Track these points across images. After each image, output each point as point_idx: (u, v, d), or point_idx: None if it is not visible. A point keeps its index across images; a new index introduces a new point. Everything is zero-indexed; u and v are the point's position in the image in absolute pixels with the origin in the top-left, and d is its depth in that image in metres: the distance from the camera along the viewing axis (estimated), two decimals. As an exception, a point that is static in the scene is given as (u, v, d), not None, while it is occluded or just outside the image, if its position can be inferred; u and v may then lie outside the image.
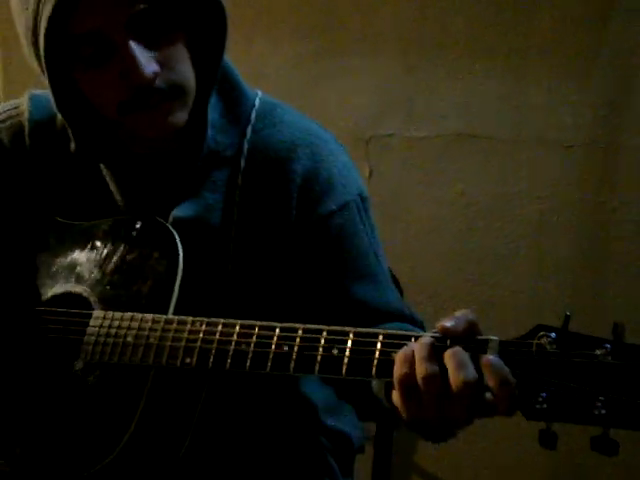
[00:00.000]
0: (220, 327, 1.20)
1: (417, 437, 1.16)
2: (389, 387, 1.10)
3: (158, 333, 1.23)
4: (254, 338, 1.17)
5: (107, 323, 1.28)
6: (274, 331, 1.16)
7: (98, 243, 1.37)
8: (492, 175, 2.36)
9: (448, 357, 1.01)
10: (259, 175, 1.38)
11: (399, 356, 1.05)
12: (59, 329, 1.34)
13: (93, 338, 1.28)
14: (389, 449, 1.74)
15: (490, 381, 0.98)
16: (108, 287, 1.33)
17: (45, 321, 1.36)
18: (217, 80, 1.34)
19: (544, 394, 0.96)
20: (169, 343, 1.22)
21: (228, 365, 1.18)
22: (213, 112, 1.37)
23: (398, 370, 1.04)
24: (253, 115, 1.41)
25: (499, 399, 0.98)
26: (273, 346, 1.15)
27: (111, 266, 1.34)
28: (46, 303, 1.38)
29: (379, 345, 1.08)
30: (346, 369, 1.09)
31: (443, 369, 1.01)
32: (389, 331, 1.10)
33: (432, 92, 2.37)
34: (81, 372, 1.29)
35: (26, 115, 1.45)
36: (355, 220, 1.40)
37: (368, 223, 1.42)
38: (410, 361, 1.04)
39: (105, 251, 1.36)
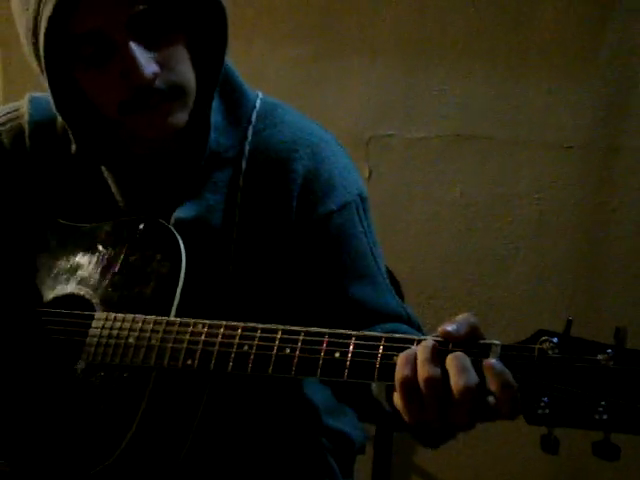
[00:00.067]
0: (222, 329, 1.20)
1: (417, 438, 1.17)
2: (390, 390, 1.10)
3: (160, 335, 1.24)
4: (256, 341, 1.17)
5: (109, 324, 1.28)
6: (276, 334, 1.16)
7: (100, 245, 1.37)
8: (491, 176, 2.36)
9: (450, 361, 1.01)
10: (260, 176, 1.38)
11: (401, 358, 1.05)
12: (61, 330, 1.34)
13: (95, 339, 1.28)
14: (389, 450, 1.74)
15: (492, 384, 0.98)
16: (110, 289, 1.33)
17: (47, 322, 1.36)
18: (219, 82, 1.34)
19: (546, 399, 0.96)
20: (171, 345, 1.22)
21: (230, 367, 1.18)
22: (214, 114, 1.37)
23: (400, 372, 1.04)
24: (254, 116, 1.41)
25: (501, 402, 0.99)
26: (275, 349, 1.15)
27: (113, 268, 1.34)
28: (48, 305, 1.38)
29: (381, 348, 1.08)
30: (348, 372, 1.09)
31: (445, 373, 1.01)
32: (391, 334, 1.10)
33: (431, 93, 2.37)
34: (83, 373, 1.29)
35: (26, 117, 1.45)
36: (355, 221, 1.40)
37: (367, 224, 1.42)
38: (412, 363, 1.04)
39: (108, 253, 1.36)
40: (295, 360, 1.13)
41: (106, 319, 1.29)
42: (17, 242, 1.43)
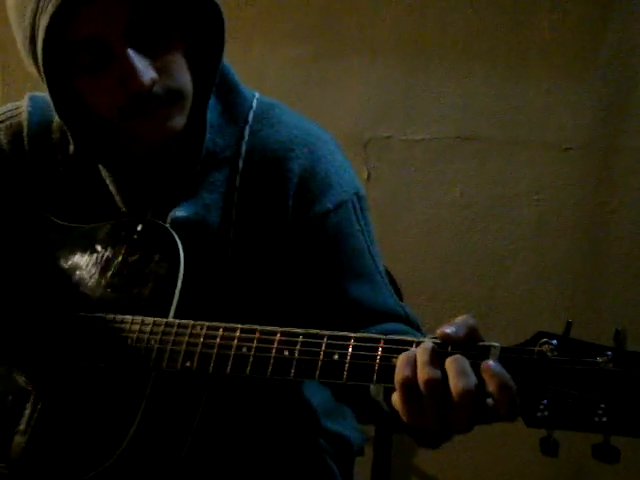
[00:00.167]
0: (221, 331, 1.20)
1: (417, 440, 1.16)
2: (388, 390, 1.10)
3: (159, 336, 1.23)
4: (255, 342, 1.16)
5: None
6: (275, 336, 1.16)
7: (98, 246, 1.37)
8: (491, 177, 2.36)
9: (449, 364, 1.01)
10: (257, 175, 1.38)
11: (401, 359, 1.05)
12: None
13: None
14: (388, 452, 1.74)
15: (490, 386, 0.98)
16: (109, 290, 1.33)
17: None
18: (215, 83, 1.34)
19: (545, 401, 0.95)
20: (170, 347, 1.22)
21: (228, 370, 1.17)
22: (211, 113, 1.37)
23: (400, 373, 1.04)
24: (251, 116, 1.41)
25: (500, 404, 0.98)
26: (274, 351, 1.15)
27: (112, 269, 1.34)
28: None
29: (380, 350, 1.08)
30: (347, 374, 1.09)
31: (444, 375, 1.01)
32: (390, 336, 1.10)
33: (431, 94, 2.37)
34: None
35: (25, 116, 1.45)
36: (352, 219, 1.40)
37: (365, 222, 1.42)
38: (412, 365, 1.03)
39: (106, 254, 1.36)
40: (294, 362, 1.13)
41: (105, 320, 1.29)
42: (14, 241, 1.43)
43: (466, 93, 2.35)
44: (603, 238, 2.32)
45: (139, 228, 1.35)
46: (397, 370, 1.04)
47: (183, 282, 1.28)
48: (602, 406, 0.93)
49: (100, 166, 1.40)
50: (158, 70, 1.26)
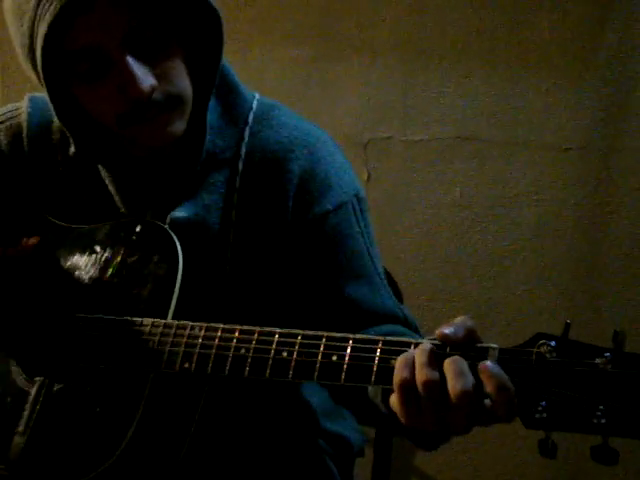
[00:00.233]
0: (219, 332, 1.19)
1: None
2: (386, 393, 1.10)
3: (157, 337, 1.23)
4: (253, 344, 1.16)
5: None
6: (273, 337, 1.16)
7: (97, 247, 1.37)
8: (490, 177, 2.36)
9: (447, 365, 1.01)
10: (257, 176, 1.38)
11: (400, 361, 1.05)
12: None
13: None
14: (389, 453, 1.73)
15: (488, 387, 0.98)
16: (107, 291, 1.33)
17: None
18: (215, 85, 1.34)
19: (543, 403, 0.95)
20: (168, 347, 1.22)
21: (227, 371, 1.17)
22: (211, 115, 1.37)
23: (398, 375, 1.04)
24: (251, 117, 1.41)
25: (497, 405, 0.98)
26: (272, 352, 1.15)
27: (111, 270, 1.34)
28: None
29: (378, 352, 1.08)
30: (345, 375, 1.09)
31: (442, 376, 1.01)
32: (388, 338, 1.10)
33: (430, 94, 2.37)
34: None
35: (25, 117, 1.45)
36: (351, 221, 1.40)
37: (364, 224, 1.42)
38: (411, 366, 1.03)
39: (105, 255, 1.36)
40: (292, 363, 1.13)
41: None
42: (13, 242, 1.43)
43: (466, 93, 2.35)
44: (603, 238, 2.32)
45: (138, 229, 1.35)
46: (395, 372, 1.04)
47: (182, 283, 1.28)
48: (601, 408, 0.93)
49: (100, 167, 1.40)
50: (157, 76, 1.26)
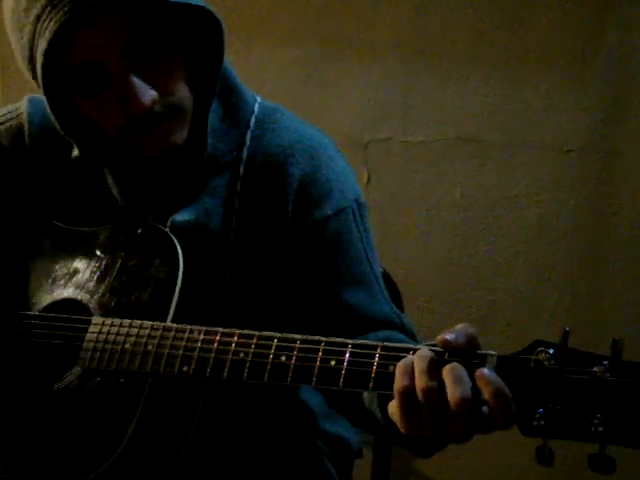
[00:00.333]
0: (218, 336, 1.20)
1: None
2: (384, 401, 1.10)
3: (156, 341, 1.23)
4: (252, 348, 1.16)
5: (106, 329, 1.28)
6: (272, 341, 1.16)
7: (98, 250, 1.37)
8: (490, 179, 2.36)
9: (446, 372, 1.00)
10: (258, 181, 1.38)
11: (400, 368, 1.04)
12: (57, 335, 1.33)
13: (91, 344, 1.28)
14: (388, 454, 1.73)
15: (485, 393, 0.98)
16: (108, 294, 1.33)
17: (44, 327, 1.35)
18: (216, 93, 1.35)
19: (541, 410, 0.95)
20: (167, 351, 1.22)
21: (225, 374, 1.17)
22: (212, 117, 1.37)
23: (399, 382, 1.03)
24: (252, 121, 1.41)
25: (495, 411, 0.98)
26: (271, 356, 1.15)
27: (111, 273, 1.34)
28: (46, 309, 1.37)
29: (377, 357, 1.08)
30: (343, 381, 1.09)
31: (441, 383, 1.01)
32: (387, 343, 1.09)
33: (430, 96, 2.37)
34: (79, 379, 1.28)
35: (26, 117, 1.46)
36: (351, 226, 1.40)
37: (364, 229, 1.42)
38: (410, 373, 1.03)
39: (105, 258, 1.36)
40: (291, 368, 1.13)
41: (103, 324, 1.29)
42: (14, 244, 1.43)
43: (466, 95, 2.34)
44: (603, 240, 2.32)
45: (139, 232, 1.35)
46: (396, 379, 1.04)
47: (182, 286, 1.28)
48: (598, 416, 0.92)
49: (104, 168, 1.40)
50: (158, 87, 1.26)
